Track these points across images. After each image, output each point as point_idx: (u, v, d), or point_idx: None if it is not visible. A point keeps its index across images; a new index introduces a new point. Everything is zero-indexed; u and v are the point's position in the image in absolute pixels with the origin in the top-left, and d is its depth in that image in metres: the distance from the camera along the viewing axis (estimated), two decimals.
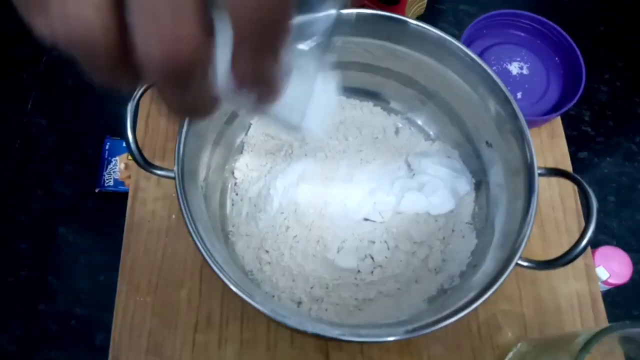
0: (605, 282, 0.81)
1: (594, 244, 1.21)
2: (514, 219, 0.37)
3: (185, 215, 0.32)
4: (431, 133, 0.49)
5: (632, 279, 0.75)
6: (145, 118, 0.50)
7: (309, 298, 0.43)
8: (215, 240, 0.38)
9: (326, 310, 0.43)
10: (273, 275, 0.43)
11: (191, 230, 0.32)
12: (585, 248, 0.35)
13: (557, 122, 0.53)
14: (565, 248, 0.47)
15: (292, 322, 0.30)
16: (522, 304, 0.45)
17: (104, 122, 1.18)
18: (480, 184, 0.46)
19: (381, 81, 0.48)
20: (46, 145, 1.20)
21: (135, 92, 0.37)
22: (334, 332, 0.30)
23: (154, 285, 0.44)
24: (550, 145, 0.51)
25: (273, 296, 0.42)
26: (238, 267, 0.43)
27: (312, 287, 0.43)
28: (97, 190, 1.09)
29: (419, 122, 0.50)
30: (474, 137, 0.44)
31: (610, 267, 0.80)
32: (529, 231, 0.34)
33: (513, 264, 0.34)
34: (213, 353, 0.42)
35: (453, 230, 0.45)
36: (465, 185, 0.45)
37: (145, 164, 0.37)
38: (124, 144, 1.11)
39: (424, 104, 0.48)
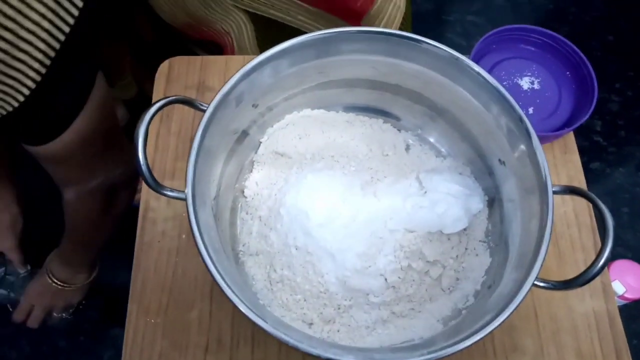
0: (621, 297, 0.79)
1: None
2: (529, 238, 0.37)
3: (197, 238, 0.32)
4: (442, 150, 0.49)
5: None
6: (155, 137, 0.50)
7: (321, 319, 0.42)
8: (226, 261, 0.38)
9: (338, 331, 0.42)
10: (284, 295, 0.43)
11: (203, 253, 0.32)
12: (602, 268, 0.35)
13: (569, 137, 0.52)
14: (581, 266, 0.46)
15: (304, 346, 0.30)
16: (538, 324, 0.44)
17: None
18: (493, 201, 0.45)
19: (390, 98, 0.48)
20: None
21: (147, 115, 0.37)
22: (347, 358, 0.30)
23: (164, 306, 0.44)
24: (563, 160, 0.51)
25: (284, 316, 0.42)
26: (248, 287, 0.43)
27: (323, 308, 0.42)
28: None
29: (430, 139, 0.49)
30: (487, 154, 0.44)
31: (626, 281, 0.79)
32: (544, 252, 0.34)
33: (529, 285, 0.33)
34: None
35: (466, 249, 0.45)
36: (478, 202, 0.45)
37: (156, 186, 0.36)
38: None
39: (435, 120, 0.48)
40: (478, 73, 0.38)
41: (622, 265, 0.78)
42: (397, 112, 0.49)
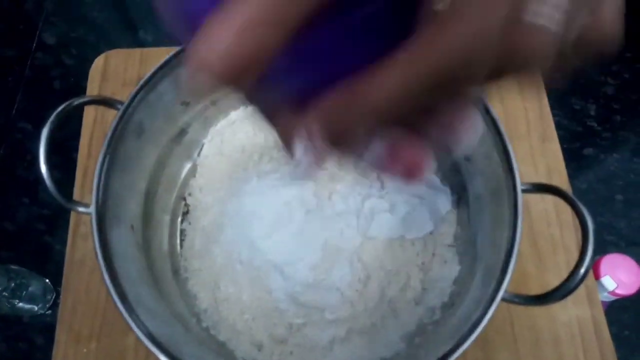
0: (612, 293, 0.75)
1: (600, 249, 1.15)
2: (498, 247, 0.32)
3: (101, 263, 0.27)
4: None
5: None
6: (89, 141, 0.45)
7: (271, 340, 0.38)
8: (152, 288, 0.33)
9: (291, 353, 0.38)
10: (230, 315, 0.38)
11: (107, 281, 0.27)
12: (583, 278, 0.30)
13: (549, 123, 0.47)
14: (563, 269, 0.42)
15: None
16: (515, 335, 0.40)
17: None
18: (460, 200, 0.40)
19: None
20: (32, 152, 1.16)
21: (47, 125, 0.32)
22: None
23: (97, 332, 0.39)
24: (541, 149, 0.46)
25: (230, 339, 0.37)
26: (189, 307, 0.38)
27: (274, 328, 0.38)
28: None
29: None
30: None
31: (617, 276, 0.74)
32: (513, 265, 0.29)
33: (496, 303, 0.29)
34: None
35: (433, 255, 0.40)
36: (445, 203, 0.40)
37: (64, 200, 0.32)
38: None
39: None
40: None
41: (614, 260, 0.73)
42: None
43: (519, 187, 0.31)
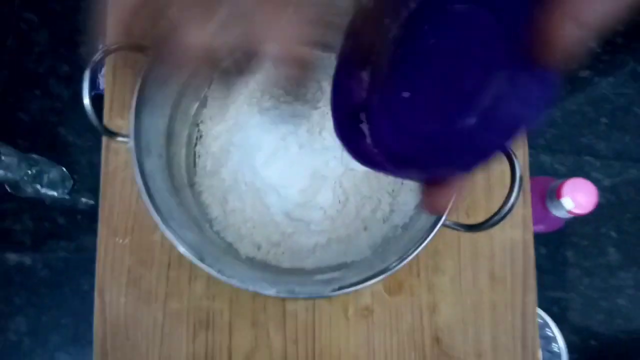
0: (569, 212, 0.86)
1: (577, 168, 1.24)
2: None
3: (142, 188, 0.36)
4: None
5: (598, 206, 0.79)
6: (112, 70, 0.51)
7: (268, 243, 0.48)
8: (174, 197, 0.42)
9: (283, 253, 0.48)
10: (236, 223, 0.48)
11: (146, 201, 0.36)
12: (506, 215, 0.39)
13: None
14: None
15: (235, 282, 0.36)
16: (460, 248, 0.50)
17: (95, 21, 1.17)
18: None
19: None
20: (39, 43, 1.20)
21: (96, 56, 0.39)
22: (271, 291, 0.36)
23: (130, 229, 0.49)
24: None
25: (236, 240, 0.48)
26: (203, 215, 0.48)
27: (270, 234, 0.48)
28: (92, 94, 1.11)
29: None
30: None
31: (576, 198, 0.84)
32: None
33: (436, 229, 0.38)
34: (184, 287, 0.49)
35: (402, 184, 0.49)
36: None
37: (107, 133, 0.40)
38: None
39: None
40: None
41: (575, 183, 0.83)
42: None
43: None
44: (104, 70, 1.09)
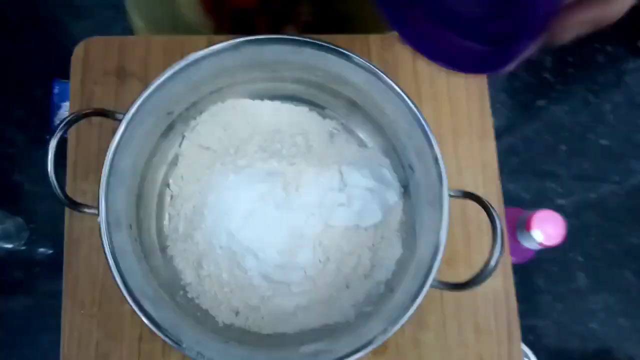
0: (540, 244, 0.87)
1: (541, 195, 1.27)
2: (428, 243, 0.40)
3: (112, 266, 0.34)
4: (364, 139, 0.50)
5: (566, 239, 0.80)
6: (76, 130, 0.49)
7: (246, 308, 0.46)
8: (145, 265, 0.40)
9: (262, 318, 0.46)
10: (212, 288, 0.46)
11: (119, 283, 0.34)
12: (492, 271, 0.39)
13: (487, 121, 0.54)
14: (486, 248, 0.50)
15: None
16: (443, 302, 0.50)
17: (50, 62, 1.13)
18: (406, 191, 0.48)
19: (314, 92, 0.48)
20: None
21: (57, 132, 0.37)
22: None
23: (97, 301, 0.46)
24: (479, 146, 0.53)
25: (212, 307, 0.45)
26: (177, 281, 0.46)
27: (249, 299, 0.46)
28: (48, 137, 1.06)
29: (352, 128, 0.50)
30: (399, 153, 0.46)
31: (545, 230, 0.85)
32: (437, 264, 0.37)
33: (422, 294, 0.37)
34: None
35: (382, 238, 0.48)
36: (393, 196, 0.47)
37: (72, 205, 0.37)
38: None
39: (354, 112, 0.49)
40: (397, 92, 0.38)
41: (544, 215, 0.84)
42: (321, 102, 0.50)
43: (446, 198, 0.39)
44: (60, 113, 1.05)
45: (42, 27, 1.19)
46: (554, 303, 1.20)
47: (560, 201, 1.30)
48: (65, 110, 1.05)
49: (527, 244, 0.86)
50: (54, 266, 1.08)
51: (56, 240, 1.09)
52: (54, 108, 1.05)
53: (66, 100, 1.05)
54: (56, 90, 1.05)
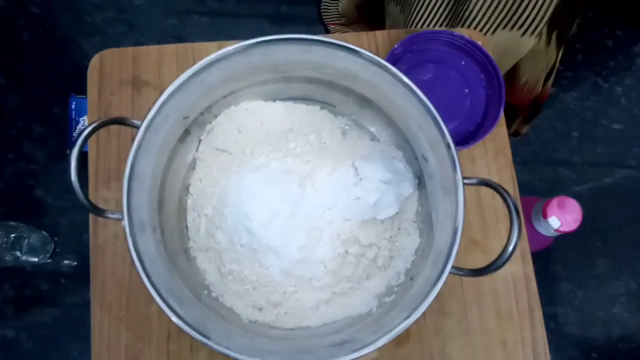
0: (556, 230, 0.87)
1: (555, 183, 1.27)
2: (446, 230, 0.40)
3: (138, 267, 0.35)
4: (376, 134, 0.51)
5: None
6: (96, 140, 0.50)
7: (269, 304, 0.47)
8: (170, 267, 0.41)
9: (285, 313, 0.47)
10: (234, 286, 0.47)
11: (146, 283, 0.35)
12: (510, 255, 0.39)
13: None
14: (504, 236, 0.51)
15: (244, 358, 0.34)
16: (463, 289, 0.50)
17: (66, 78, 1.16)
18: (420, 182, 0.48)
19: (325, 90, 0.49)
20: (9, 106, 1.18)
21: (79, 139, 0.38)
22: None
23: (124, 304, 0.47)
24: (492, 134, 0.53)
25: (235, 304, 0.46)
26: (199, 281, 0.47)
27: (271, 295, 0.47)
28: (68, 152, 1.09)
29: (364, 124, 0.51)
30: (413, 145, 0.47)
31: (562, 216, 0.85)
32: (455, 249, 0.38)
33: (442, 281, 0.38)
34: (186, 359, 0.47)
35: (399, 229, 0.49)
36: (408, 187, 0.48)
37: (96, 210, 0.39)
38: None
39: (365, 108, 0.49)
40: (406, 84, 0.39)
41: (559, 201, 0.84)
42: (332, 100, 0.51)
43: (461, 184, 0.39)
44: (78, 127, 1.08)
45: (55, 46, 1.22)
46: (575, 290, 1.19)
47: (576, 188, 1.28)
48: (83, 125, 1.08)
49: (544, 231, 0.85)
50: (79, 277, 1.11)
51: (80, 251, 1.12)
52: (72, 123, 1.07)
53: (84, 115, 1.07)
54: (73, 105, 1.08)
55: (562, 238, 0.81)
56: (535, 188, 1.26)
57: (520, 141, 1.31)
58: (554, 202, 0.90)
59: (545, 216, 0.83)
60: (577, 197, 0.85)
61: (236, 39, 0.40)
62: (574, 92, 1.39)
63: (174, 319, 0.34)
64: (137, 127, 0.39)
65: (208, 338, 0.35)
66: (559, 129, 1.35)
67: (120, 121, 0.39)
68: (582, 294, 1.19)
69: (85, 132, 0.38)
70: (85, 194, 0.39)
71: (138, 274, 0.35)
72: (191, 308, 0.39)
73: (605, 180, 1.30)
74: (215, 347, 0.34)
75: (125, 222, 0.36)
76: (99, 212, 0.39)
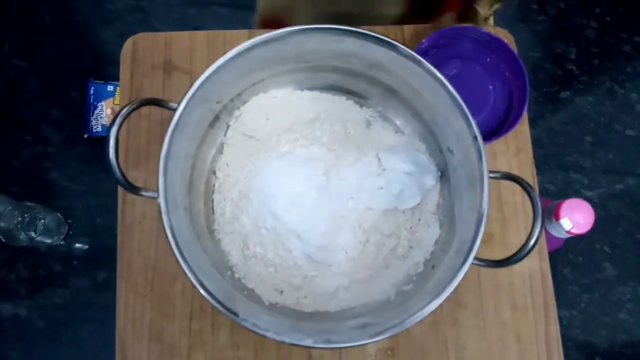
0: (568, 232, 0.87)
1: (566, 187, 1.27)
2: (469, 222, 0.41)
3: (172, 244, 0.36)
4: (401, 126, 0.52)
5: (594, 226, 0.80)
6: (127, 122, 0.51)
7: (290, 287, 0.48)
8: (198, 246, 0.42)
9: (305, 297, 0.48)
10: (257, 268, 0.48)
11: (178, 257, 0.36)
12: (532, 248, 0.40)
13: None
14: (522, 231, 0.52)
15: (271, 334, 0.35)
16: (480, 282, 0.51)
17: (85, 63, 1.17)
18: (443, 175, 0.49)
19: (351, 80, 0.50)
20: (29, 89, 1.19)
21: (117, 119, 0.39)
22: (307, 342, 0.36)
23: (150, 282, 0.49)
24: (513, 131, 0.54)
25: (257, 287, 0.47)
26: (224, 262, 0.48)
27: (292, 278, 0.48)
28: (85, 136, 1.10)
29: (389, 116, 0.52)
30: (438, 137, 0.47)
31: (574, 218, 0.85)
32: (479, 240, 0.39)
33: (464, 270, 0.39)
34: (208, 337, 0.48)
35: (419, 220, 0.50)
36: (430, 180, 0.49)
37: (131, 188, 0.40)
38: (109, 89, 1.09)
39: (391, 99, 0.50)
40: (436, 77, 0.40)
41: (572, 204, 0.84)
42: (359, 90, 0.51)
43: (486, 174, 0.40)
44: (96, 112, 1.09)
45: (76, 31, 1.23)
46: (581, 293, 1.20)
47: (587, 193, 1.29)
48: (101, 110, 1.09)
49: (556, 233, 0.86)
50: (91, 260, 1.13)
51: (92, 235, 1.14)
52: (90, 107, 1.08)
53: (102, 100, 1.09)
54: (92, 90, 1.09)
55: (571, 241, 0.82)
56: (546, 191, 1.27)
57: (533, 143, 1.31)
58: (567, 204, 0.90)
59: (557, 217, 0.83)
60: (587, 201, 0.86)
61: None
62: (588, 97, 1.39)
63: (204, 293, 0.36)
64: (172, 109, 0.40)
65: (236, 314, 0.36)
66: (572, 132, 1.35)
67: (156, 102, 0.41)
68: (589, 298, 1.20)
69: (124, 111, 0.39)
70: (121, 173, 0.40)
71: (171, 248, 0.36)
72: (219, 285, 0.40)
73: (616, 186, 1.31)
74: (243, 323, 0.36)
75: (162, 199, 0.37)
76: (135, 189, 0.40)
